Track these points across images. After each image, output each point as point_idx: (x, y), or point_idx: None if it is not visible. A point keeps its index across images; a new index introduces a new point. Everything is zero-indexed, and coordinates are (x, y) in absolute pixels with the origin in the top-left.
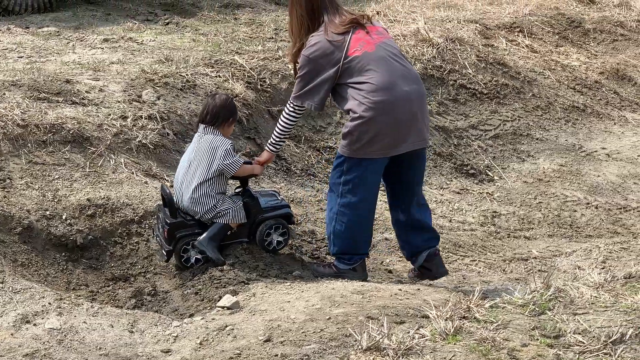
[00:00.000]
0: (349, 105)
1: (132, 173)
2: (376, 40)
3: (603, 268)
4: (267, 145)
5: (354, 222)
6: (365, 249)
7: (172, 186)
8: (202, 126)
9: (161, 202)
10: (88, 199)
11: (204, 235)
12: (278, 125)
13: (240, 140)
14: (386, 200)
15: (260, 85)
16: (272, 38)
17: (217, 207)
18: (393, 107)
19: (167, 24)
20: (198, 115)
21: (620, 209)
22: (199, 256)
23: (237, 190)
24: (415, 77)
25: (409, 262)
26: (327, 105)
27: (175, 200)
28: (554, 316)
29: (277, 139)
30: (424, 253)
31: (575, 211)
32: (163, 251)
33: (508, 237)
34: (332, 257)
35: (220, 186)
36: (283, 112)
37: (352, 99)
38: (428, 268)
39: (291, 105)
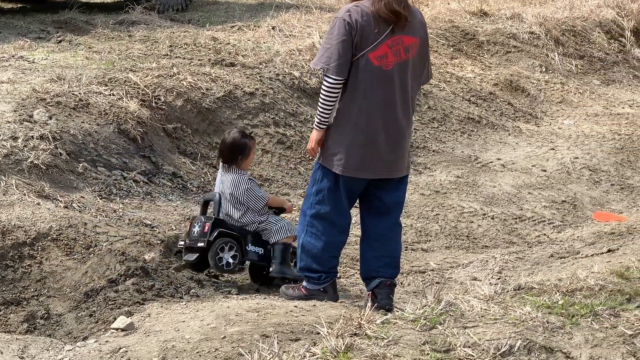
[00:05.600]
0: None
1: (24, 194)
2: (399, 58)
3: (499, 278)
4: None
5: (323, 234)
6: (332, 266)
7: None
8: (221, 164)
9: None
10: None
11: (275, 265)
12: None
13: (135, 159)
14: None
15: (155, 102)
16: (167, 55)
17: (263, 221)
18: (366, 134)
19: (60, 41)
20: None
21: (516, 218)
22: (231, 260)
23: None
24: (405, 112)
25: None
26: (222, 123)
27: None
28: (445, 330)
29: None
30: (376, 279)
31: (472, 222)
32: (199, 244)
33: (405, 250)
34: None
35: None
36: None
37: (341, 98)
38: (375, 295)
39: None
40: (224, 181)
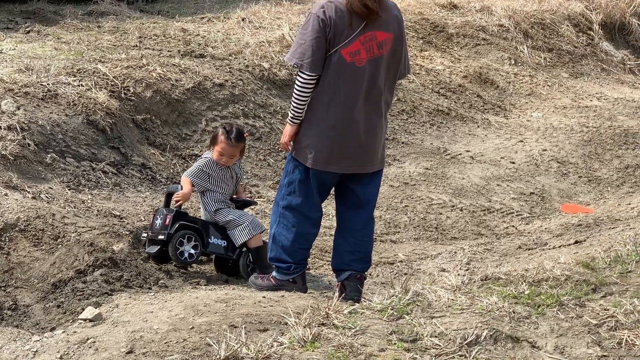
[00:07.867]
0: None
1: None
2: (371, 54)
3: (467, 269)
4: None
5: (294, 226)
6: (302, 258)
7: None
8: None
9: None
10: None
11: (251, 277)
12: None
13: (104, 150)
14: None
15: (124, 94)
16: (136, 46)
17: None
18: (335, 129)
19: (28, 32)
20: None
21: (484, 210)
22: (192, 251)
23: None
24: (376, 108)
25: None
26: (192, 114)
27: None
28: (412, 320)
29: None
30: (347, 272)
31: (441, 214)
32: (160, 237)
33: (374, 242)
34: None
35: (217, 195)
36: None
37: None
38: (345, 286)
39: None
40: None
